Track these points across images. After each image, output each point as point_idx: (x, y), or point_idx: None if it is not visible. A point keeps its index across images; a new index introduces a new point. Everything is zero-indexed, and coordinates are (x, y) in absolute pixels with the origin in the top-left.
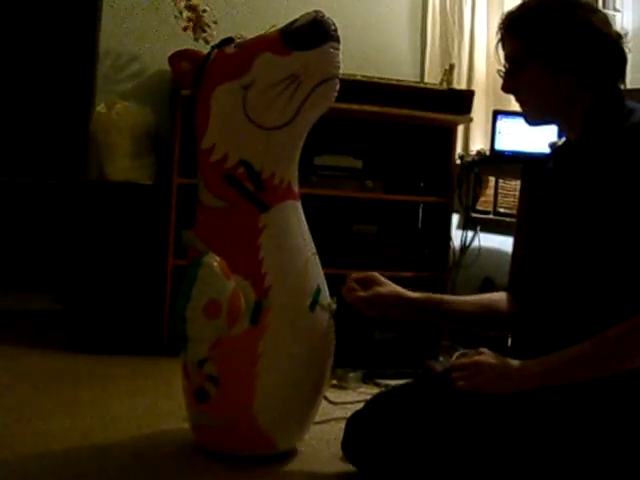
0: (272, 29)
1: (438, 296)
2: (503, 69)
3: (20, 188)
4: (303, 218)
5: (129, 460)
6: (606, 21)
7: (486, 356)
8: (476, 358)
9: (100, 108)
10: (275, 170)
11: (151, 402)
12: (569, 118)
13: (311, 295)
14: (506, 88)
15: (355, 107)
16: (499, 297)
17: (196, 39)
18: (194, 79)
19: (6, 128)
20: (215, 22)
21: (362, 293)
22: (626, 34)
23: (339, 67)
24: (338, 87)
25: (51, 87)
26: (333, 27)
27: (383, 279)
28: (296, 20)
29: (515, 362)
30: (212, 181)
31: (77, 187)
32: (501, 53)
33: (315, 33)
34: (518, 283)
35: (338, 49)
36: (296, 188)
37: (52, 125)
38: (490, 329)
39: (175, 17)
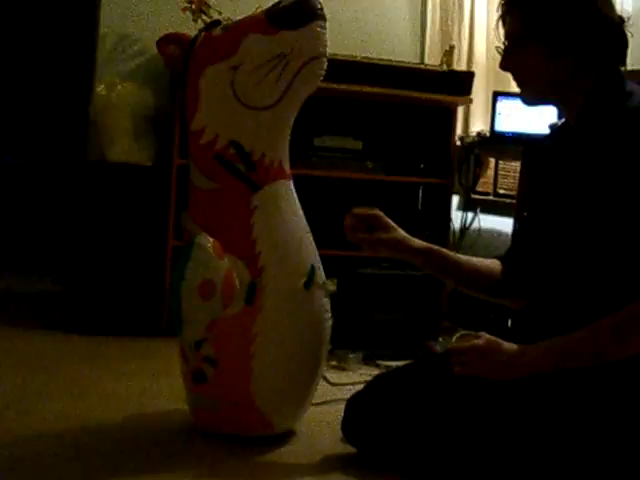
0: (258, 10)
1: (438, 248)
2: (502, 46)
3: (20, 169)
4: (295, 197)
5: (128, 441)
6: (610, 4)
7: (484, 341)
8: (474, 342)
9: (100, 90)
10: (266, 150)
11: (150, 383)
12: (567, 100)
13: (305, 274)
14: (504, 66)
15: (355, 88)
16: (492, 263)
17: (195, 20)
18: (182, 62)
19: (6, 109)
20: (220, 13)
21: (363, 236)
22: (629, 18)
23: (326, 45)
24: (326, 65)
25: (51, 68)
26: (319, 6)
27: (387, 221)
28: (282, 0)
29: (513, 347)
30: (203, 163)
31: (77, 168)
32: (501, 30)
33: (301, 12)
34: (511, 255)
35: (325, 28)
36: (287, 168)
37: (52, 106)
38: (478, 291)
39: None
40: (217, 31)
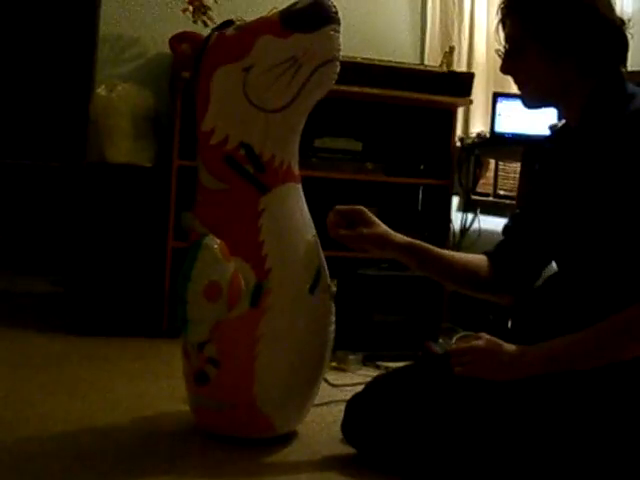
0: (273, 11)
1: (421, 243)
2: (502, 49)
3: (20, 170)
4: (303, 200)
5: (129, 441)
6: (610, 6)
7: (484, 341)
8: (474, 343)
9: (100, 90)
10: (275, 152)
11: (151, 384)
12: (568, 102)
13: (311, 277)
14: (505, 69)
15: (355, 89)
16: (479, 260)
17: (195, 21)
18: (194, 61)
19: (7, 110)
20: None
21: (345, 232)
22: (629, 19)
23: (340, 49)
24: (338, 69)
25: (52, 70)
26: (334, 9)
27: (370, 216)
28: (297, 2)
29: (512, 348)
30: (212, 163)
31: (77, 169)
32: (501, 33)
33: (316, 15)
34: (502, 251)
35: (339, 31)
36: (296, 170)
37: (52, 107)
38: (463, 286)
39: None
40: (230, 31)
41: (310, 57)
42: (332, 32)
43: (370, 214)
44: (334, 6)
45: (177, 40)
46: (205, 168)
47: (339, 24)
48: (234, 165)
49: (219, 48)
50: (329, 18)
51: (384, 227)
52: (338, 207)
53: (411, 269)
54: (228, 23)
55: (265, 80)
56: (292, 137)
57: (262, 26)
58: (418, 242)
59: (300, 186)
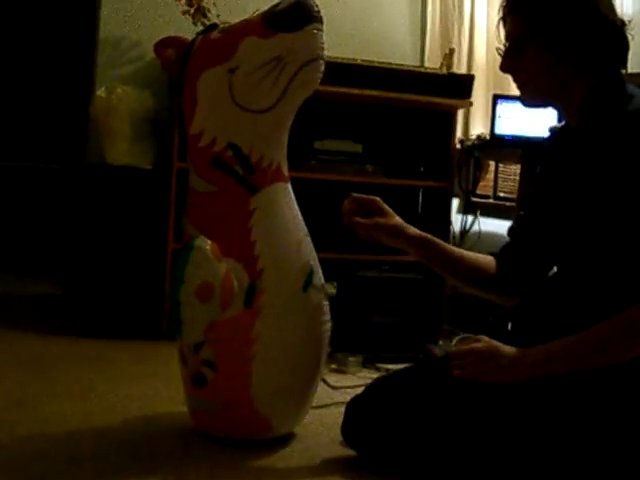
0: (256, 13)
1: (433, 238)
2: (503, 47)
3: (20, 172)
4: (294, 200)
5: (127, 443)
6: (611, 6)
7: (484, 344)
8: (474, 346)
9: (100, 92)
10: (264, 153)
11: (150, 386)
12: (567, 102)
13: (304, 276)
14: (504, 67)
15: (355, 91)
16: (487, 260)
17: (195, 23)
18: (180, 66)
19: (7, 112)
20: (218, 16)
21: (361, 220)
22: (630, 21)
23: (323, 48)
24: (323, 68)
25: (52, 72)
26: (316, 8)
27: (385, 207)
28: (279, 3)
29: (512, 350)
30: (201, 166)
31: (77, 171)
32: (502, 32)
33: (298, 15)
34: (507, 252)
35: (322, 30)
36: (285, 170)
37: (53, 109)
38: (471, 285)
39: None
40: (214, 34)
41: (294, 56)
42: (315, 31)
43: (385, 205)
44: (316, 5)
45: (162, 45)
46: (195, 171)
47: (322, 23)
48: (223, 167)
49: (204, 51)
50: (312, 17)
51: (398, 218)
52: (355, 194)
53: (421, 262)
54: (212, 27)
55: (251, 81)
56: (280, 137)
57: (246, 28)
58: (430, 236)
59: (289, 186)
